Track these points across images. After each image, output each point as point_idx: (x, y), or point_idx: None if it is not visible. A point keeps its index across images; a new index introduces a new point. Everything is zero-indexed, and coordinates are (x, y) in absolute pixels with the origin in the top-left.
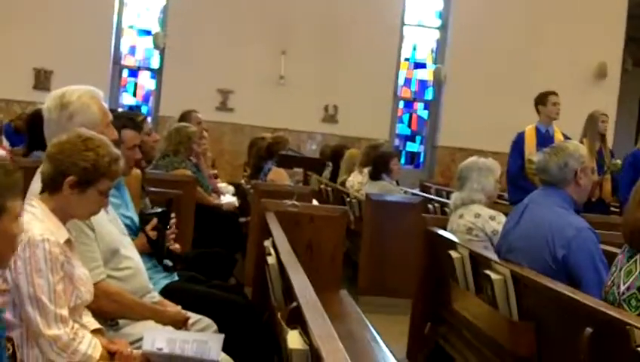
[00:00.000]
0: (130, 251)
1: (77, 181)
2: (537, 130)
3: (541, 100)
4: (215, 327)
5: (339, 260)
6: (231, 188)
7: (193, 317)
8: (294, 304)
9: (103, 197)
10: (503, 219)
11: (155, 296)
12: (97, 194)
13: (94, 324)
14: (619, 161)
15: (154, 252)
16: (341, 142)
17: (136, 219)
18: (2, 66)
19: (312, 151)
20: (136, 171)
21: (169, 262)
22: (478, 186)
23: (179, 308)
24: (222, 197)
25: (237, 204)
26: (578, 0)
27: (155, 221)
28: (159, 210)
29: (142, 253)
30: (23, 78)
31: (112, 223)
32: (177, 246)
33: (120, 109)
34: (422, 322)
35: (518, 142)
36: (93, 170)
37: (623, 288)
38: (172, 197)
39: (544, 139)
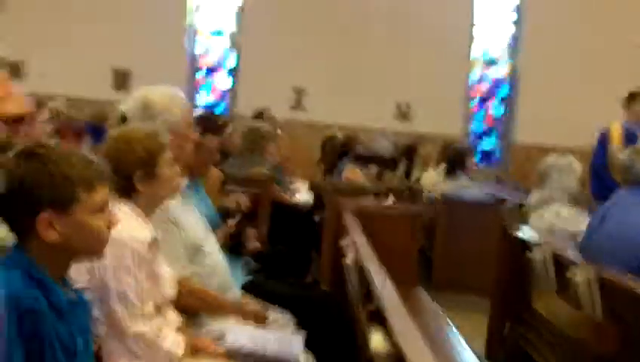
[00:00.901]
0: (213, 248)
1: (144, 173)
2: (624, 128)
3: (633, 98)
4: (295, 324)
5: (414, 257)
6: (306, 187)
7: (273, 314)
8: (375, 304)
9: (174, 168)
10: (585, 218)
11: (237, 293)
12: (167, 169)
13: (177, 321)
14: None
15: (232, 245)
16: (414, 140)
17: (213, 216)
18: (81, 66)
19: (385, 149)
20: (218, 171)
21: (250, 260)
22: (559, 185)
23: (260, 305)
24: (297, 195)
25: (312, 202)
26: None
27: (240, 216)
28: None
29: (221, 245)
30: (102, 77)
31: (196, 222)
32: (258, 244)
33: (197, 109)
34: (501, 322)
35: (603, 140)
36: (148, 155)
37: None
38: (252, 196)
39: (630, 139)
